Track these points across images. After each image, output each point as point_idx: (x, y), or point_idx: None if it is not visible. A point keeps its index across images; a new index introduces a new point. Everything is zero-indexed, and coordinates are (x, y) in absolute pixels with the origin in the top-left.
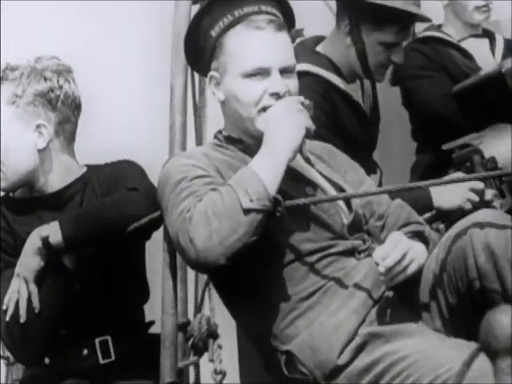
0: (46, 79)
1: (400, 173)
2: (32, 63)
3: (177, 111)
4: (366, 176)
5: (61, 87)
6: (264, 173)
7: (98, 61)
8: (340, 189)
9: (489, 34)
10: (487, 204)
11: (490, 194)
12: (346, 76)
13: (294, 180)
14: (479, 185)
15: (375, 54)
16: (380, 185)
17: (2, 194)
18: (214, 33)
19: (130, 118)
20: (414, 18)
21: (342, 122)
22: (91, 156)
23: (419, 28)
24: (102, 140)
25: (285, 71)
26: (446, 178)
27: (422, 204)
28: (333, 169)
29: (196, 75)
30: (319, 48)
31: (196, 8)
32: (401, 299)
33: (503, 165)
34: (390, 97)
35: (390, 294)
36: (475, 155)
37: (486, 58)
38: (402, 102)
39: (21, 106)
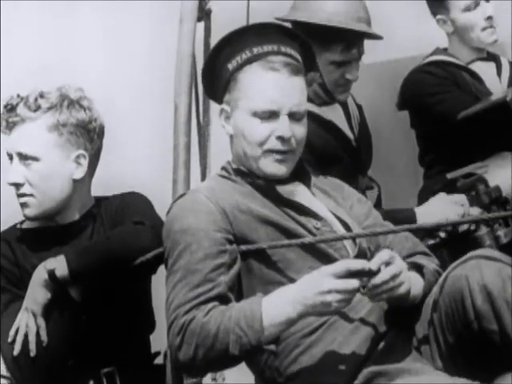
0: (84, 109)
1: (404, 195)
2: (61, 92)
3: (181, 131)
4: (372, 209)
5: (96, 119)
6: (271, 314)
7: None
8: (345, 224)
9: (494, 58)
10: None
11: (475, 210)
12: (313, 98)
13: (301, 214)
14: (461, 198)
15: (329, 74)
16: (379, 201)
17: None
18: (230, 66)
19: (136, 147)
20: (361, 35)
21: (315, 142)
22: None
23: (425, 50)
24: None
25: (294, 116)
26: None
27: (406, 222)
28: (338, 203)
29: (200, 94)
30: None
31: (201, 25)
32: (404, 337)
33: (507, 194)
34: (395, 121)
35: (393, 331)
36: (480, 184)
37: (493, 82)
38: (411, 124)
39: (64, 135)
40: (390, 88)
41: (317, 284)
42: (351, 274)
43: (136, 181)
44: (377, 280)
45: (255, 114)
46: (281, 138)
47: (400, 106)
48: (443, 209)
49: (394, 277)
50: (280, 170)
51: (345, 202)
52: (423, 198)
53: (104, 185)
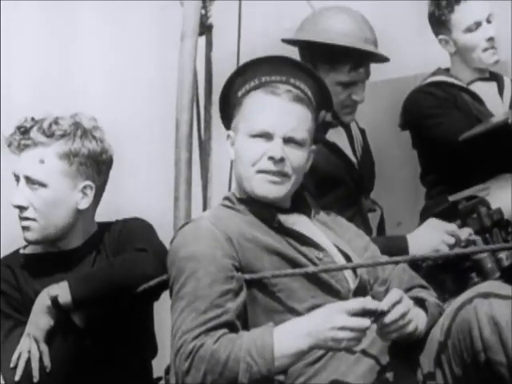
0: (96, 140)
1: (405, 215)
2: (74, 119)
3: (182, 147)
4: (370, 242)
5: (107, 151)
6: (282, 345)
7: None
8: (345, 255)
9: (496, 77)
10: (468, 242)
11: (465, 232)
12: None
13: (303, 244)
14: (453, 227)
15: (335, 95)
16: (381, 223)
17: None
18: (240, 93)
19: (135, 163)
20: (368, 56)
21: (318, 162)
22: None
23: (427, 69)
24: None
25: (290, 141)
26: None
27: (397, 249)
28: (338, 236)
29: (201, 110)
30: None
31: (202, 40)
32: (407, 367)
33: (509, 216)
34: (397, 140)
35: (396, 360)
36: (482, 206)
37: (494, 102)
38: (413, 144)
39: (74, 165)
40: (392, 107)
41: (330, 319)
42: (363, 313)
43: (136, 197)
44: (387, 319)
45: (251, 136)
46: (272, 159)
47: (402, 126)
48: (433, 238)
49: (403, 316)
50: (272, 191)
51: (344, 235)
52: (425, 218)
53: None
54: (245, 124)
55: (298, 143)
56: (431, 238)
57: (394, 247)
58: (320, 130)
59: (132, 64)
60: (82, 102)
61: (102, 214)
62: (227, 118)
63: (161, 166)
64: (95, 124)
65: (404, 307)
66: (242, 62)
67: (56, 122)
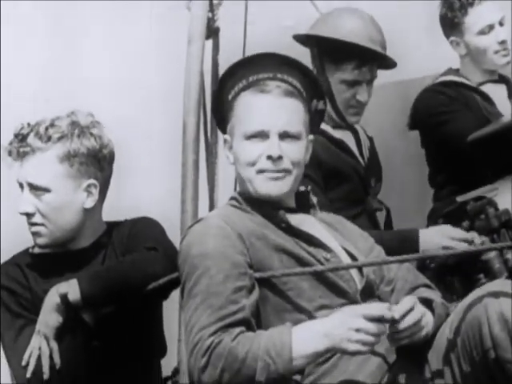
0: (95, 137)
1: (413, 216)
2: (71, 119)
3: (189, 149)
4: (375, 244)
5: (106, 146)
6: (300, 346)
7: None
8: (351, 255)
9: (505, 80)
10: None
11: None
12: (326, 120)
13: (310, 244)
14: (463, 233)
15: (340, 93)
16: (388, 222)
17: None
18: (230, 96)
19: (145, 167)
20: (373, 56)
21: (325, 157)
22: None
23: (435, 71)
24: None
25: (286, 136)
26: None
27: (409, 246)
28: (344, 236)
29: (208, 112)
30: None
31: (209, 43)
32: (415, 364)
33: None
34: (405, 142)
35: (403, 358)
36: (489, 207)
37: (503, 104)
38: (422, 143)
39: (75, 165)
40: (400, 109)
41: (347, 321)
42: (379, 320)
43: (144, 199)
44: (401, 326)
45: (247, 137)
46: (270, 158)
47: (411, 125)
48: (437, 242)
49: (416, 323)
50: (274, 189)
51: (349, 236)
52: (433, 220)
53: (112, 204)
54: (239, 127)
55: (294, 137)
56: (440, 240)
57: (406, 240)
58: (315, 119)
59: (138, 64)
60: (86, 104)
61: (107, 218)
62: (222, 122)
63: (167, 169)
64: (92, 120)
65: (417, 314)
66: None
67: (52, 124)
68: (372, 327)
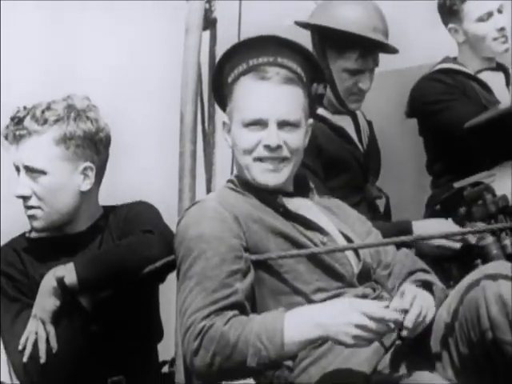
0: (91, 121)
1: (411, 203)
2: (67, 102)
3: (187, 139)
4: (372, 228)
5: (102, 129)
6: (292, 332)
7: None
8: (348, 239)
9: (503, 68)
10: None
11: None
12: (326, 105)
13: (307, 228)
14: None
15: (342, 81)
16: (387, 211)
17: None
18: (230, 79)
19: (143, 156)
20: (376, 45)
21: (325, 145)
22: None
23: (433, 59)
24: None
25: (284, 124)
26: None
27: (402, 230)
28: (341, 220)
29: (205, 102)
30: None
31: (207, 34)
32: (412, 348)
33: None
34: (403, 130)
35: (400, 342)
36: (487, 193)
37: (501, 92)
38: (419, 131)
39: (71, 148)
40: (398, 97)
41: (346, 314)
42: (379, 320)
43: (143, 189)
44: (412, 317)
45: (245, 124)
46: (268, 147)
47: (408, 113)
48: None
49: (419, 315)
50: (272, 179)
51: (346, 219)
52: (431, 207)
53: (111, 192)
54: (237, 113)
55: (294, 125)
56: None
57: (400, 231)
58: (314, 102)
59: (136, 55)
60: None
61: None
62: (222, 102)
63: (165, 158)
64: (88, 103)
65: (417, 307)
66: None
67: (48, 107)
68: (372, 325)
